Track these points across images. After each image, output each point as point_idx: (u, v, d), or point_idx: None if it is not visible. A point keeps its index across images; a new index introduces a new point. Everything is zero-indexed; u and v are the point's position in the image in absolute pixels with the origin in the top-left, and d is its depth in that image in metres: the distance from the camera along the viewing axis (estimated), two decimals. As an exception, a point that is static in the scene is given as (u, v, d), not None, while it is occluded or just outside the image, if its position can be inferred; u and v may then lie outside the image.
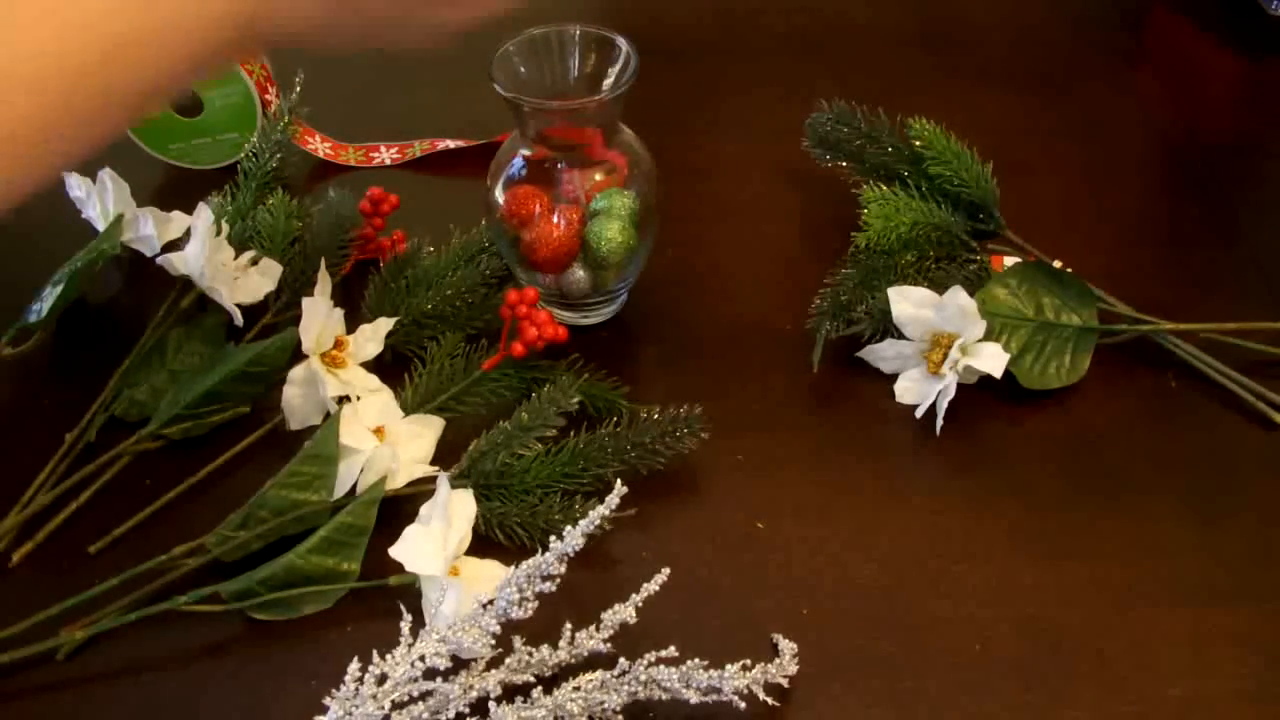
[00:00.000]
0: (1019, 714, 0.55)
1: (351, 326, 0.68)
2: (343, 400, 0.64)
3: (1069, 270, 0.70)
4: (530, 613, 0.52)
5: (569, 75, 0.66)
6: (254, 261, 0.71)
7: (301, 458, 0.60)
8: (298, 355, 0.65)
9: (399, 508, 0.61)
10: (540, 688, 0.52)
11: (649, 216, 0.68)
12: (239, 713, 0.55)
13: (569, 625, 0.54)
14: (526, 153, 0.66)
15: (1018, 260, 0.71)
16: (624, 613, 0.53)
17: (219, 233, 0.70)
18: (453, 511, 0.58)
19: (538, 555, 0.52)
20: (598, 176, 0.66)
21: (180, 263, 0.69)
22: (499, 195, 0.67)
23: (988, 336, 0.66)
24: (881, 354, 0.68)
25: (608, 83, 0.65)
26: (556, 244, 0.66)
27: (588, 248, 0.66)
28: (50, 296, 0.69)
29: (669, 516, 0.62)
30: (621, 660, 0.53)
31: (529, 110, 0.63)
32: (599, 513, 0.52)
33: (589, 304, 0.70)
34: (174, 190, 0.81)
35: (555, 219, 0.66)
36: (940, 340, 0.66)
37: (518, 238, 0.67)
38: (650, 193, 0.67)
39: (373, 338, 0.67)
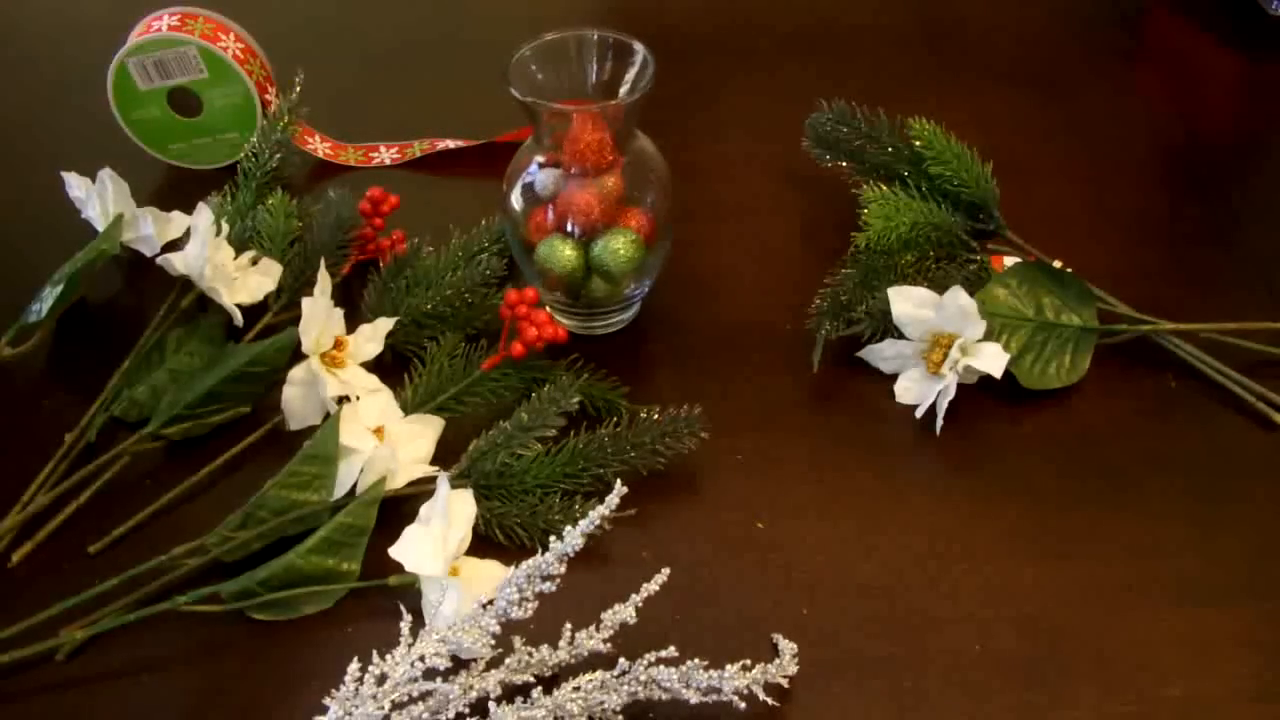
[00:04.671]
0: (1019, 714, 0.55)
1: (351, 326, 0.68)
2: (343, 400, 0.64)
3: (1069, 270, 0.70)
4: (530, 613, 0.52)
5: (585, 80, 0.66)
6: (254, 261, 0.71)
7: (301, 458, 0.60)
8: (298, 355, 0.65)
9: (399, 508, 0.61)
10: (540, 688, 0.52)
11: (663, 225, 0.67)
12: (239, 713, 0.55)
13: (569, 625, 0.54)
14: (541, 159, 0.66)
15: (1018, 260, 0.71)
16: (624, 613, 0.53)
17: (219, 233, 0.70)
18: (453, 511, 0.58)
19: (538, 555, 0.52)
20: (610, 180, 0.66)
21: (180, 263, 0.69)
22: (515, 201, 0.67)
23: (988, 336, 0.66)
24: (881, 354, 0.68)
25: (624, 89, 0.65)
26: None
27: (596, 262, 0.66)
28: (50, 296, 0.69)
29: (669, 516, 0.62)
30: (621, 660, 0.53)
31: (545, 115, 0.63)
32: (599, 513, 0.52)
33: (603, 312, 0.70)
34: (174, 190, 0.81)
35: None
36: (940, 340, 0.66)
37: (533, 244, 0.67)
38: (665, 199, 0.67)
39: (373, 338, 0.67)
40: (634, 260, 0.66)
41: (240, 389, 0.66)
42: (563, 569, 0.52)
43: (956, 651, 0.57)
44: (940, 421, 0.65)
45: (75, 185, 0.75)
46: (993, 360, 0.65)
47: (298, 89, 0.81)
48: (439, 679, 0.51)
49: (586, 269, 0.66)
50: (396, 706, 0.51)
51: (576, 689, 0.52)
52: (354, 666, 0.51)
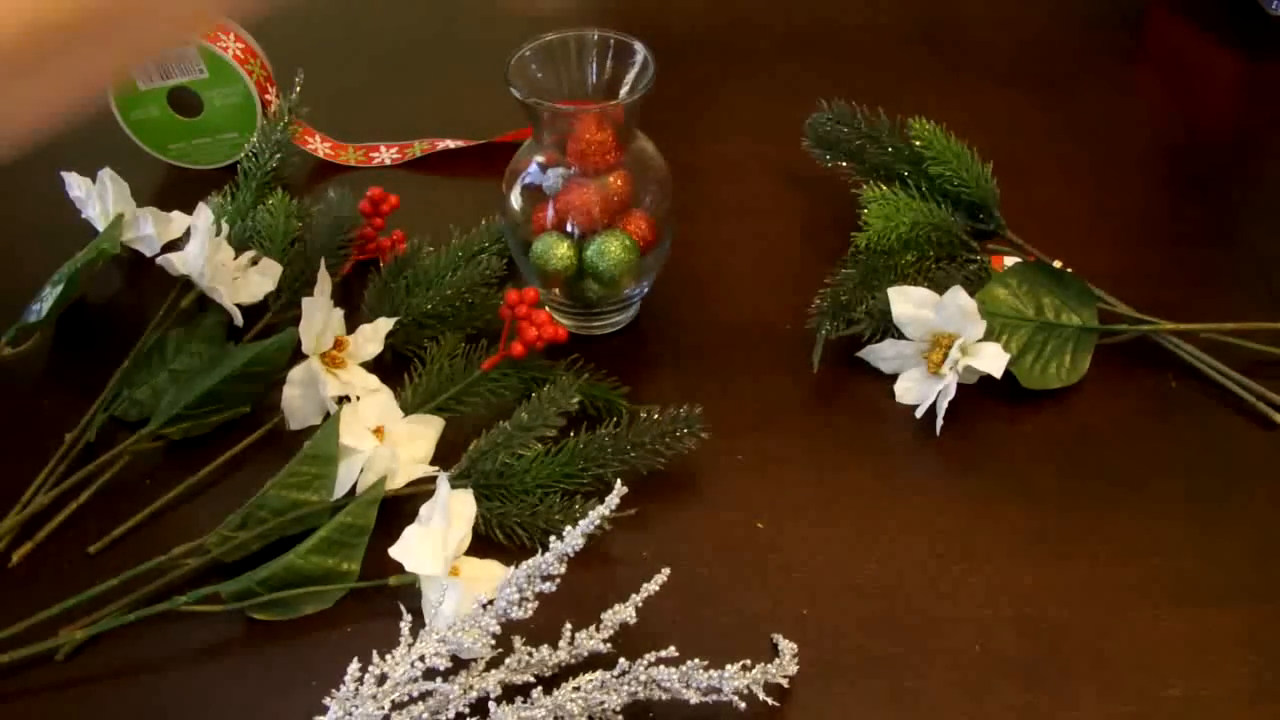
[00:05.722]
0: (1019, 714, 0.55)
1: (351, 326, 0.68)
2: (343, 400, 0.64)
3: (1069, 270, 0.70)
4: (530, 613, 0.52)
5: (585, 80, 0.66)
6: (254, 261, 0.71)
7: (301, 458, 0.60)
8: (298, 355, 0.65)
9: (399, 508, 0.61)
10: (540, 688, 0.52)
11: (663, 226, 0.67)
12: (239, 713, 0.55)
13: (569, 625, 0.54)
14: (541, 159, 0.66)
15: (1018, 260, 0.71)
16: (624, 613, 0.53)
17: (219, 233, 0.70)
18: (453, 511, 0.58)
19: (538, 555, 0.52)
20: (614, 180, 0.66)
21: (180, 263, 0.69)
22: (515, 201, 0.67)
23: (988, 336, 0.66)
24: (881, 354, 0.68)
25: (624, 89, 0.65)
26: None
27: (588, 263, 0.66)
28: (50, 296, 0.69)
29: (669, 516, 0.62)
30: (621, 660, 0.53)
31: (546, 115, 0.63)
32: (599, 513, 0.52)
33: (602, 312, 0.70)
34: (174, 190, 0.81)
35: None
36: (940, 340, 0.66)
37: (530, 243, 0.67)
38: (665, 200, 0.67)
39: (373, 338, 0.67)
40: (625, 263, 0.65)
41: (240, 389, 0.66)
42: (563, 569, 0.52)
43: (956, 651, 0.57)
44: (940, 421, 0.65)
45: (75, 185, 0.75)
46: (993, 360, 0.65)
47: (298, 89, 0.81)
48: (439, 679, 0.51)
49: (580, 268, 0.67)
50: (396, 706, 0.51)
51: (576, 689, 0.52)
52: (354, 666, 0.51)
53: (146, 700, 0.56)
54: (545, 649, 0.54)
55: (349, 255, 0.74)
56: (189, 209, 0.73)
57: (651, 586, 0.53)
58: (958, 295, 0.65)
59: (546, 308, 0.66)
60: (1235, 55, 0.94)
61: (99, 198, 0.74)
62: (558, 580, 0.52)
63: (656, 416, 0.63)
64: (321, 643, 0.57)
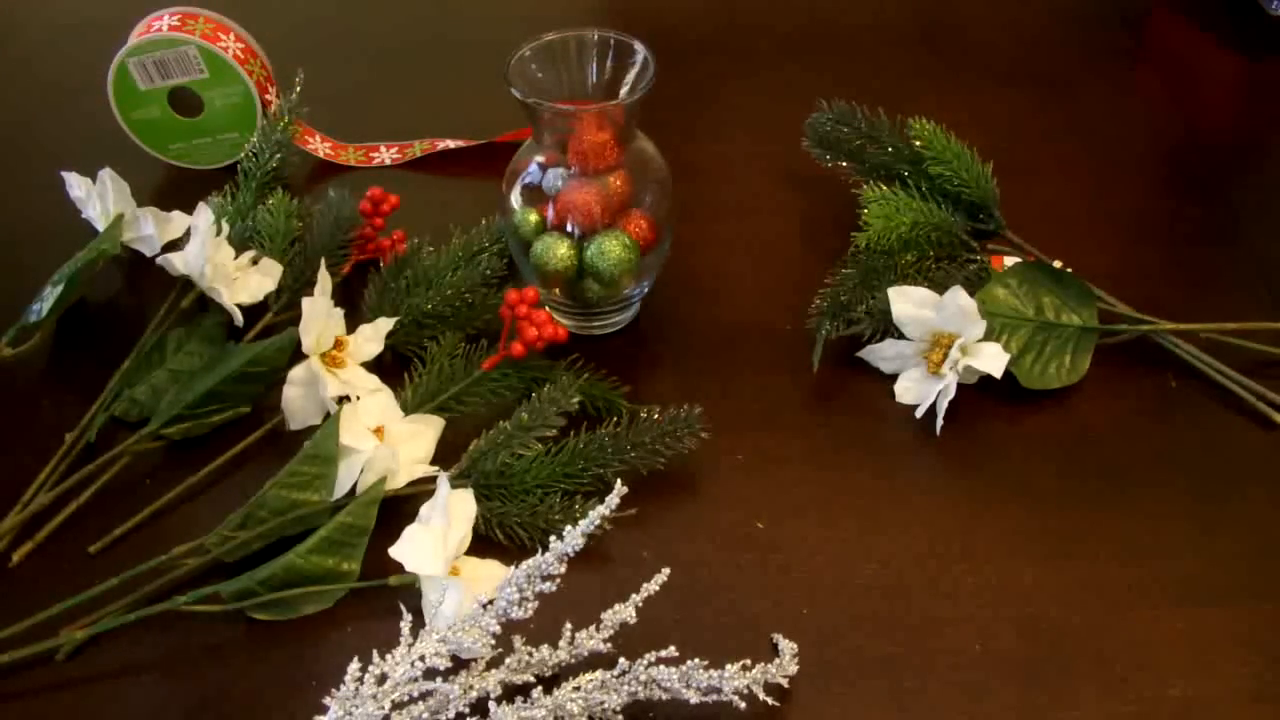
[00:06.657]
0: (1019, 714, 0.55)
1: (351, 326, 0.68)
2: (343, 400, 0.64)
3: (1069, 270, 0.70)
4: (530, 613, 0.52)
5: (585, 80, 0.66)
6: (254, 261, 0.71)
7: (301, 458, 0.60)
8: (298, 355, 0.65)
9: (399, 508, 0.61)
10: (540, 688, 0.52)
11: (663, 226, 0.67)
12: (239, 713, 0.55)
13: (569, 625, 0.54)
14: (541, 159, 0.66)
15: (1018, 260, 0.71)
16: (624, 613, 0.53)
17: (219, 233, 0.70)
18: (453, 511, 0.58)
19: (538, 555, 0.52)
20: (614, 181, 0.66)
21: (180, 263, 0.69)
22: (515, 201, 0.67)
23: (988, 336, 0.66)
24: (881, 354, 0.68)
25: (624, 89, 0.65)
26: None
27: (588, 263, 0.66)
28: (50, 296, 0.69)
29: (669, 516, 0.62)
30: (621, 660, 0.53)
31: (546, 115, 0.63)
32: (599, 513, 0.52)
33: (602, 312, 0.70)
34: (174, 190, 0.81)
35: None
36: (940, 340, 0.66)
37: (530, 243, 0.67)
38: (665, 200, 0.67)
39: (373, 338, 0.67)
40: (625, 263, 0.65)
41: (240, 389, 0.66)
42: (563, 569, 0.52)
43: (956, 651, 0.57)
44: (940, 421, 0.65)
45: (75, 185, 0.75)
46: (993, 360, 0.65)
47: (298, 89, 0.81)
48: (439, 679, 0.51)
49: (580, 268, 0.67)
50: (396, 706, 0.51)
51: (576, 689, 0.52)
52: (354, 666, 0.51)
53: (146, 700, 0.56)
54: (545, 649, 0.54)
55: (349, 255, 0.74)
56: (189, 209, 0.73)
57: (651, 586, 0.53)
58: (958, 295, 0.65)
59: (546, 308, 0.66)
60: (1235, 55, 0.95)
61: (99, 198, 0.74)
62: (558, 580, 0.52)
63: (656, 416, 0.63)
64: (321, 643, 0.57)
